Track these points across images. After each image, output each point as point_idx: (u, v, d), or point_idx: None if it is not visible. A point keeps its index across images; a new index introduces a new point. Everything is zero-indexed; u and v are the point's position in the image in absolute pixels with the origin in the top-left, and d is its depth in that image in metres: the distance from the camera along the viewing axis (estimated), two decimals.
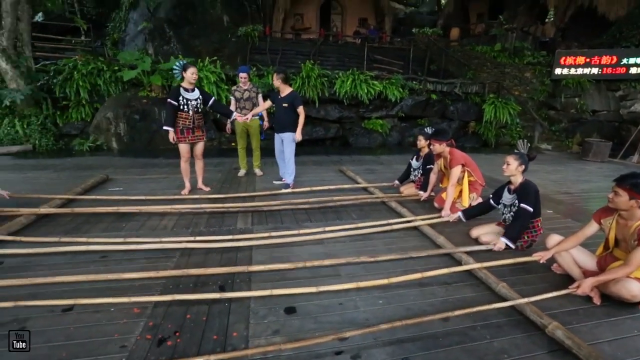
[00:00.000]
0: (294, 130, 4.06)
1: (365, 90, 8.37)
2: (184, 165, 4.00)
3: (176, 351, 1.62)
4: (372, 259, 2.35)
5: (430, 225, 3.17)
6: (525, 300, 1.95)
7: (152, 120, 7.44)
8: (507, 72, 10.74)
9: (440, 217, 3.32)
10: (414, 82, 9.17)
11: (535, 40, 12.32)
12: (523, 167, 2.67)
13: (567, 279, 2.31)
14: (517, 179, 2.71)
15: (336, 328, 1.78)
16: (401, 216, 3.42)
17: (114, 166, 5.56)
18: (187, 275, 2.23)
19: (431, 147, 3.55)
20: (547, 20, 14.20)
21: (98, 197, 3.80)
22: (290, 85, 4.30)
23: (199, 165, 4.14)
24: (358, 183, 4.65)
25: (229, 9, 11.58)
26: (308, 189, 4.28)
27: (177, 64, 3.73)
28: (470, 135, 9.56)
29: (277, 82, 3.98)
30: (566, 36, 12.78)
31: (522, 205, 2.62)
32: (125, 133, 7.31)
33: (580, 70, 9.68)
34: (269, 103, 4.23)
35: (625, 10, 11.26)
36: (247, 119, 4.13)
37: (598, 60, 9.56)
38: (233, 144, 8.24)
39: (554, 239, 2.38)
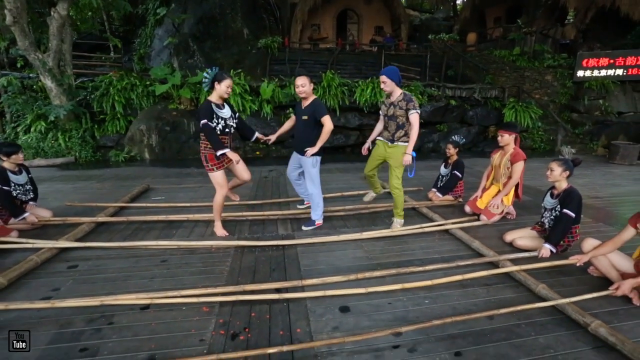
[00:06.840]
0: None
1: None
2: (221, 199, 3.04)
3: (249, 344, 1.82)
4: (420, 269, 2.50)
5: (463, 229, 3.29)
6: (567, 300, 2.05)
7: (181, 131, 7.82)
8: (527, 75, 10.68)
9: (469, 221, 3.44)
10: (433, 89, 9.26)
11: (555, 43, 12.21)
12: (567, 172, 2.69)
13: (604, 282, 2.40)
14: (562, 185, 2.75)
15: (389, 325, 1.94)
16: (433, 221, 3.54)
17: (150, 176, 5.89)
18: (242, 290, 2.25)
19: (499, 137, 3.50)
20: (567, 22, 14.05)
21: (145, 204, 4.11)
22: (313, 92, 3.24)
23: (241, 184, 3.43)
24: (386, 189, 4.79)
25: (249, 22, 12.03)
26: (339, 194, 4.48)
27: (208, 71, 2.90)
28: (490, 140, 9.54)
29: (306, 87, 3.04)
30: (588, 38, 12.61)
31: (565, 210, 2.65)
32: (156, 144, 7.70)
33: (603, 72, 9.55)
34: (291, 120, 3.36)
35: None
36: (269, 140, 3.27)
37: (623, 61, 9.42)
38: (257, 152, 8.55)
39: (589, 242, 2.46)
